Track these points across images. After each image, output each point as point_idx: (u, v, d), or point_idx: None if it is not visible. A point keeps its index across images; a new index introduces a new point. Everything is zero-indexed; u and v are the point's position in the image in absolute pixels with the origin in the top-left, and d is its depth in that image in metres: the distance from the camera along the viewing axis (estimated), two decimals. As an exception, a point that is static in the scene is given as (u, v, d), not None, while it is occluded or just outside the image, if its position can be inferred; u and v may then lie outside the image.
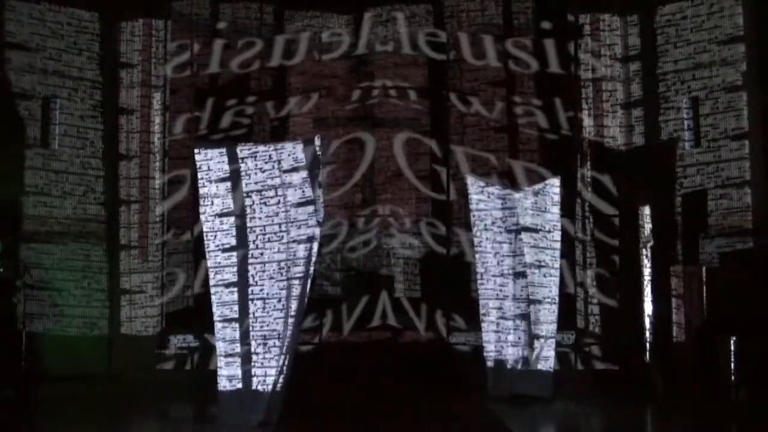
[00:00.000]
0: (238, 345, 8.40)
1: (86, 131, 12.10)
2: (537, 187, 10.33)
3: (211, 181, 8.51)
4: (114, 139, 12.30)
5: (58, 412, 9.61)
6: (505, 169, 12.28)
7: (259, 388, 8.36)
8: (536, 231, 10.06)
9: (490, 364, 10.13)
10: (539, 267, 10.04)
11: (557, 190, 10.20)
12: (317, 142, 8.67)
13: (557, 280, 10.14)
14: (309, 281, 8.53)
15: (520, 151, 12.58)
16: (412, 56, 12.84)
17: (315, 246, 8.56)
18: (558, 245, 10.15)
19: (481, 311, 10.18)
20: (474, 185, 10.33)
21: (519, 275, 10.06)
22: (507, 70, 12.52)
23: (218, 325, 8.46)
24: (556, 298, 10.10)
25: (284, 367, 8.42)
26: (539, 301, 10.02)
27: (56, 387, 10.72)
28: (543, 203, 10.12)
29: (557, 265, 10.14)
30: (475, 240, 10.25)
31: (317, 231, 8.58)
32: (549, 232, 10.11)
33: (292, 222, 8.52)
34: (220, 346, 8.44)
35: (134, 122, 12.43)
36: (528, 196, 10.17)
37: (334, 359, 11.65)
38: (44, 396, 10.46)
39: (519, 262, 10.07)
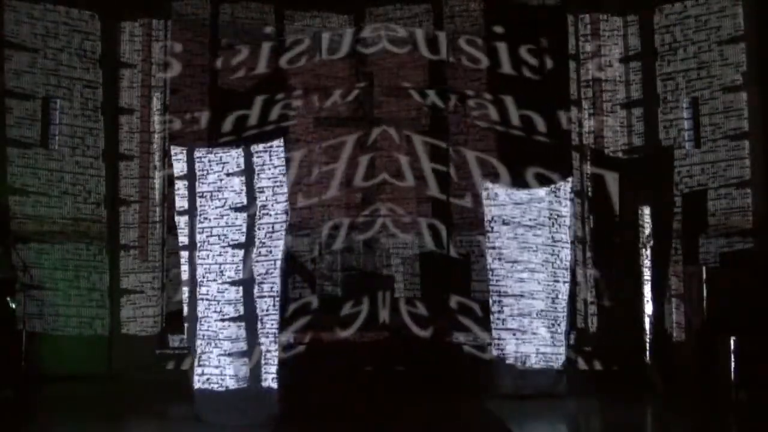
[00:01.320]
0: (245, 343, 8.45)
1: (86, 131, 12.10)
2: (548, 187, 10.42)
3: (228, 175, 8.57)
4: (114, 139, 12.30)
5: (58, 412, 9.61)
6: (461, 159, 12.43)
7: (263, 385, 8.44)
8: (547, 229, 10.12)
9: (500, 362, 10.15)
10: (549, 265, 10.09)
11: (568, 189, 10.26)
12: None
13: (568, 278, 10.18)
14: None
15: (477, 144, 12.72)
16: (412, 56, 12.88)
17: None
18: (568, 244, 10.20)
19: (492, 309, 10.20)
20: (487, 187, 10.40)
21: (530, 273, 10.10)
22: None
23: (219, 324, 8.48)
24: (566, 297, 10.13)
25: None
26: (549, 299, 10.07)
27: (56, 387, 10.72)
28: (554, 203, 10.17)
29: (567, 264, 10.18)
30: (489, 236, 10.27)
31: None
32: (559, 230, 10.16)
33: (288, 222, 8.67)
34: (224, 345, 8.46)
35: (134, 122, 12.43)
36: (539, 195, 10.22)
37: (334, 359, 11.64)
38: (44, 396, 10.47)
39: (530, 260, 10.11)
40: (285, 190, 8.70)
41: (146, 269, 12.27)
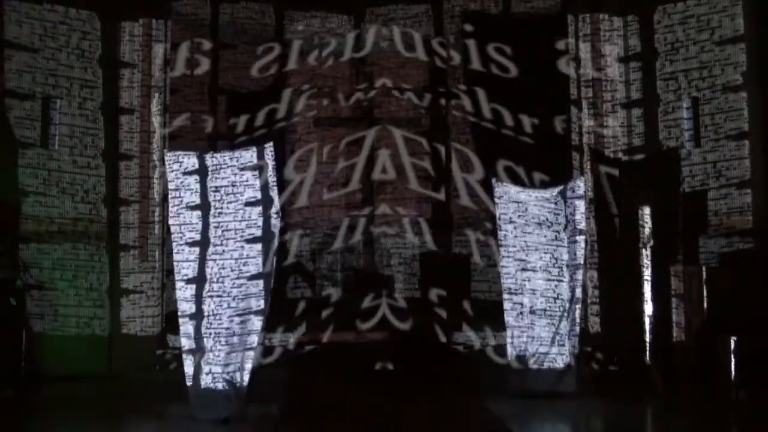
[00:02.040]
0: (262, 336, 8.52)
1: (85, 131, 12.10)
2: (558, 186, 10.46)
3: (242, 168, 8.58)
4: (114, 139, 12.30)
5: (58, 412, 9.61)
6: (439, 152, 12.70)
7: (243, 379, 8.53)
8: (550, 229, 10.15)
9: (510, 361, 10.16)
10: (551, 265, 10.12)
11: (580, 188, 10.30)
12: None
13: (569, 277, 10.19)
14: None
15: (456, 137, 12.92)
16: (412, 57, 12.92)
17: None
18: (569, 244, 10.21)
19: (506, 308, 10.20)
20: (498, 186, 10.44)
21: (532, 272, 10.13)
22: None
23: (237, 318, 8.50)
24: (567, 296, 10.14)
25: None
26: (551, 299, 10.09)
27: (56, 387, 10.72)
28: (564, 201, 10.20)
29: (568, 264, 10.19)
30: (500, 234, 10.28)
31: None
32: (562, 229, 10.19)
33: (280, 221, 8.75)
34: (242, 340, 8.48)
35: (134, 122, 12.43)
36: (549, 194, 10.26)
37: (334, 359, 11.65)
38: (44, 396, 10.47)
39: (532, 259, 10.13)
40: (276, 190, 8.70)
41: (146, 269, 12.27)
